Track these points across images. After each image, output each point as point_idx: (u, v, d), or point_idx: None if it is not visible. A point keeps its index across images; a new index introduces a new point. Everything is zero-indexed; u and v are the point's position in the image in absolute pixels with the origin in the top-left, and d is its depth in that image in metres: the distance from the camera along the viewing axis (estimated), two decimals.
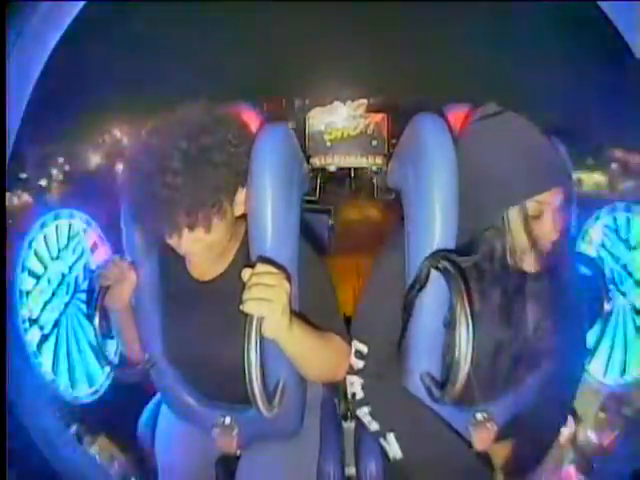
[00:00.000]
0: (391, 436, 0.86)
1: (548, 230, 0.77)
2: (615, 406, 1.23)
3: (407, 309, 0.83)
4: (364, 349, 0.88)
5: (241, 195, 0.84)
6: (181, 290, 0.94)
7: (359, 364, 0.88)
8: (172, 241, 0.81)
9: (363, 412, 0.89)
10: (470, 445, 0.88)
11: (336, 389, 1.20)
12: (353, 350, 0.89)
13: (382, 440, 0.88)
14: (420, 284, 0.80)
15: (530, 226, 0.76)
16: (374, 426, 0.89)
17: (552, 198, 0.76)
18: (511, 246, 0.78)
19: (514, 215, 0.76)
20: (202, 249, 0.82)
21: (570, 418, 0.99)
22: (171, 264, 0.95)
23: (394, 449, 0.86)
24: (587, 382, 1.31)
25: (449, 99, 0.93)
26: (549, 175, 0.76)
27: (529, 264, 0.80)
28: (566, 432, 0.99)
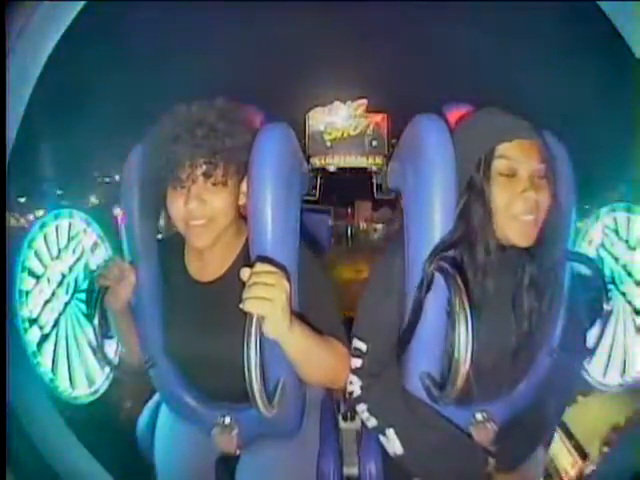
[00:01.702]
0: (391, 432, 0.87)
1: (522, 188, 0.76)
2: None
3: (415, 311, 0.82)
4: (363, 347, 0.88)
5: (244, 185, 0.85)
6: (181, 291, 0.94)
7: (357, 362, 0.88)
8: (182, 191, 0.81)
9: (361, 409, 0.90)
10: (469, 436, 0.88)
11: (335, 390, 1.19)
12: (352, 347, 0.89)
13: (382, 437, 0.88)
14: (427, 285, 0.79)
15: (503, 184, 0.77)
16: (372, 422, 0.89)
17: (523, 155, 0.76)
18: (490, 209, 0.78)
19: (484, 174, 0.77)
20: (204, 216, 0.82)
21: (577, 456, 0.99)
22: (171, 265, 0.95)
23: (394, 445, 0.87)
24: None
25: (448, 98, 0.93)
26: (517, 127, 0.77)
27: (517, 236, 0.78)
28: (572, 471, 0.99)
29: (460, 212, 0.79)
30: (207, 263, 0.92)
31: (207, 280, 0.93)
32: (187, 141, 0.79)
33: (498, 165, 0.77)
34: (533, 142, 0.77)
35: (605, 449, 1.22)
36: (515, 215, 0.77)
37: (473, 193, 0.78)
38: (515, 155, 0.76)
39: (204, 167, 0.80)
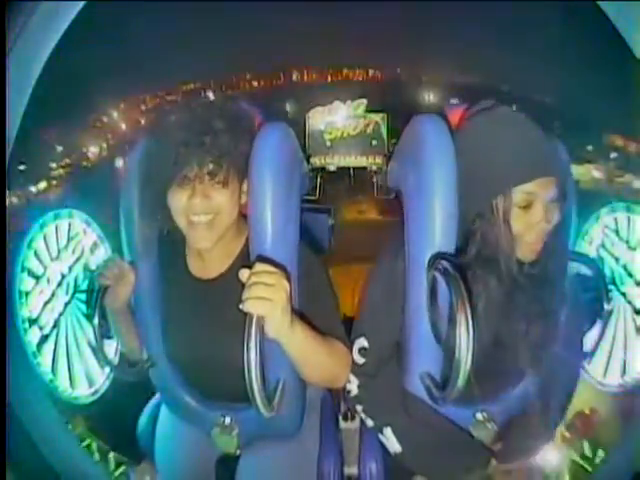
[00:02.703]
0: (388, 430, 0.87)
1: (537, 221, 0.77)
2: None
3: (445, 323, 0.80)
4: (366, 344, 0.88)
5: (245, 185, 0.86)
6: (181, 288, 0.94)
7: (360, 360, 0.89)
8: (187, 189, 0.82)
9: (359, 409, 0.90)
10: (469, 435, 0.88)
11: (336, 389, 1.19)
12: (357, 347, 0.89)
13: (380, 436, 0.89)
14: (430, 290, 0.79)
15: (518, 215, 0.77)
16: (369, 422, 0.90)
17: (541, 189, 0.76)
18: (502, 235, 0.78)
19: (502, 204, 0.77)
20: (207, 212, 0.82)
21: None
22: (172, 262, 0.95)
23: (393, 443, 0.87)
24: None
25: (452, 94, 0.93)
26: (537, 164, 0.77)
27: (525, 254, 0.80)
28: None
29: (472, 235, 0.80)
30: (208, 261, 0.92)
31: (208, 277, 0.93)
32: (196, 146, 0.80)
33: (515, 198, 0.77)
34: (552, 177, 0.77)
35: (567, 434, 1.23)
36: (527, 242, 0.79)
37: (487, 221, 0.79)
38: (533, 189, 0.76)
39: (210, 166, 0.81)
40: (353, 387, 0.89)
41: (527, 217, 0.77)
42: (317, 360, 0.81)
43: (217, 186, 0.82)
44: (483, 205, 0.78)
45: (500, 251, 0.79)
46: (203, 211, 0.82)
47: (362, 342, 0.89)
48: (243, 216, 0.91)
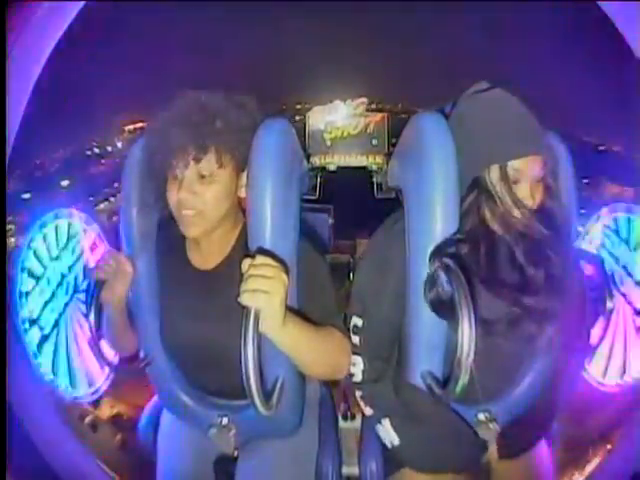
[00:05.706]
0: (387, 422, 0.87)
1: (523, 197, 0.78)
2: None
3: (436, 312, 0.80)
4: (359, 322, 0.88)
5: (244, 178, 0.85)
6: (180, 278, 0.93)
7: (355, 339, 0.88)
8: (176, 184, 0.82)
9: (358, 395, 0.90)
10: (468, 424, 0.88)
11: (335, 388, 1.19)
12: (351, 325, 0.89)
13: (378, 426, 0.89)
14: (429, 285, 0.79)
15: (510, 187, 0.78)
16: (368, 411, 0.89)
17: (528, 167, 0.77)
18: (496, 208, 0.79)
19: (495, 176, 0.78)
20: (194, 208, 0.82)
21: None
22: (170, 253, 0.95)
23: (390, 435, 0.87)
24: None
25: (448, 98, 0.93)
26: (526, 143, 0.78)
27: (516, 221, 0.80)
28: None
29: (468, 209, 0.80)
30: (206, 251, 0.92)
31: (207, 268, 0.92)
32: (180, 125, 0.80)
33: (507, 172, 0.78)
34: (539, 156, 0.78)
35: None
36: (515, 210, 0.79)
37: (483, 192, 0.79)
38: (520, 167, 0.77)
39: (193, 151, 0.80)
40: (357, 371, 0.89)
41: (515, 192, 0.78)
42: (313, 355, 0.80)
43: (203, 181, 0.82)
44: (476, 177, 0.79)
45: (496, 217, 0.79)
46: (190, 207, 0.82)
47: (355, 320, 0.89)
48: (243, 209, 0.90)
